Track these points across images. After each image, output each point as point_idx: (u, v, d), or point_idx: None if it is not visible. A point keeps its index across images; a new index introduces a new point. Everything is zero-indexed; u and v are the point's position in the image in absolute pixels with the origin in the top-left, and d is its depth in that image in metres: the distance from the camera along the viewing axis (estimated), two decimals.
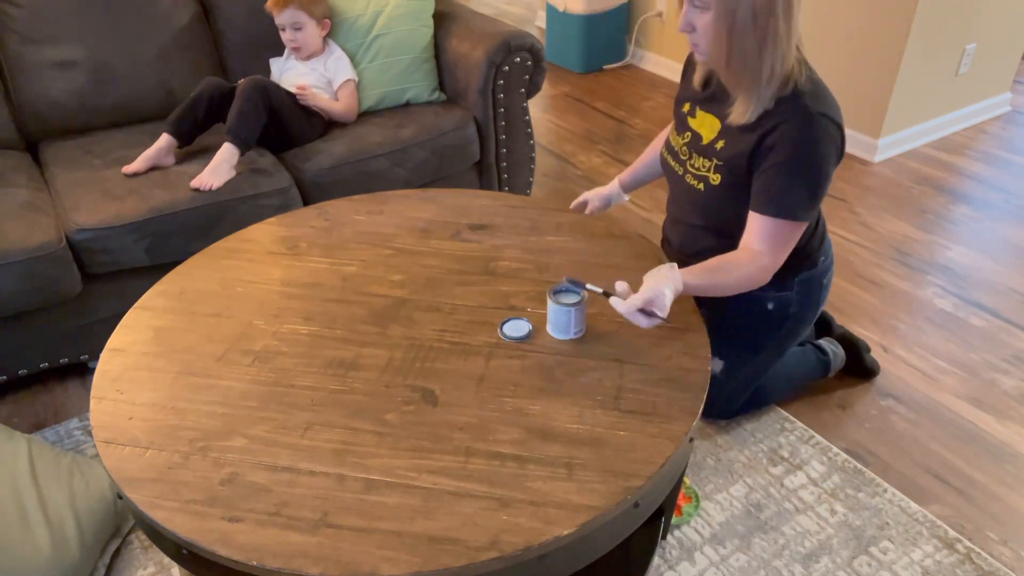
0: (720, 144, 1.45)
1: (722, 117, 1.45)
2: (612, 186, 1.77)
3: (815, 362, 1.87)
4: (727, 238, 1.49)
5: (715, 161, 1.46)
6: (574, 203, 1.75)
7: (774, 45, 1.29)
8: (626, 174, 1.79)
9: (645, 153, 1.78)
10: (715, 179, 1.47)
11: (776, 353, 1.69)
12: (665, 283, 1.23)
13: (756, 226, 1.38)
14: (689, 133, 1.52)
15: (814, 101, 1.34)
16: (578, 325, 1.29)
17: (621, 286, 1.25)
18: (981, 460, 1.73)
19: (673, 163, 1.58)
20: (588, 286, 1.29)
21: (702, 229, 1.57)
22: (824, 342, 1.91)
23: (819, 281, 1.61)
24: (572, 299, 1.29)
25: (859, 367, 1.93)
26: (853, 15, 2.85)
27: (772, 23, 1.26)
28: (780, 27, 1.27)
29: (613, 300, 1.23)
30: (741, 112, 1.38)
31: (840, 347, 1.92)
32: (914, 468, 1.72)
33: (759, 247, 1.38)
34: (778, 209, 1.35)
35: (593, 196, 1.75)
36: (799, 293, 1.59)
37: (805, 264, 1.57)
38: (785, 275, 1.52)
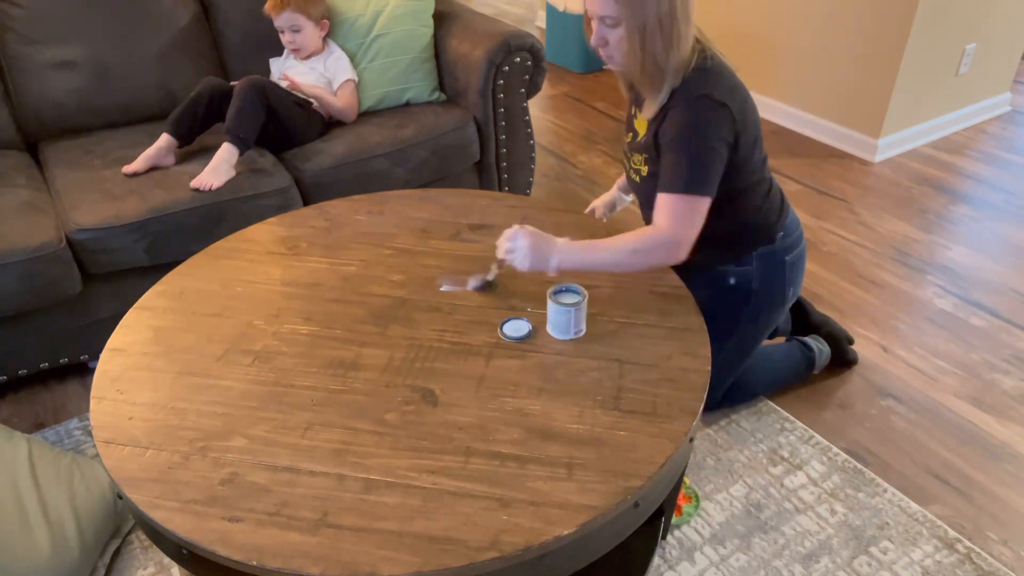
0: (646, 136, 1.54)
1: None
2: (612, 192, 1.83)
3: (800, 358, 1.90)
4: None
5: (645, 155, 1.54)
6: (586, 211, 1.80)
7: (678, 46, 1.38)
8: (622, 178, 1.85)
9: None
10: (644, 170, 1.56)
11: (751, 335, 1.71)
12: (524, 234, 1.34)
13: (658, 204, 1.44)
14: (631, 133, 1.61)
15: (697, 86, 1.41)
16: (578, 325, 1.29)
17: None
18: (981, 460, 1.73)
19: (626, 163, 1.67)
20: (471, 281, 1.43)
21: (649, 215, 1.64)
22: (810, 339, 1.94)
23: (780, 258, 1.64)
24: (572, 299, 1.29)
25: (841, 359, 1.99)
26: (853, 15, 2.86)
27: (676, 27, 1.35)
28: (682, 29, 1.36)
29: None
30: (651, 108, 1.47)
31: (826, 344, 1.96)
32: (914, 468, 1.72)
33: (660, 222, 1.42)
34: (671, 185, 1.41)
35: (599, 204, 1.82)
36: (759, 268, 1.63)
37: (761, 239, 1.62)
38: (740, 250, 1.62)
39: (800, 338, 1.95)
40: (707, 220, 1.46)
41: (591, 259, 1.38)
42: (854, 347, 2.03)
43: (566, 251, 1.35)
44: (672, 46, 1.37)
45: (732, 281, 1.64)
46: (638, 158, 1.56)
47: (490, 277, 1.43)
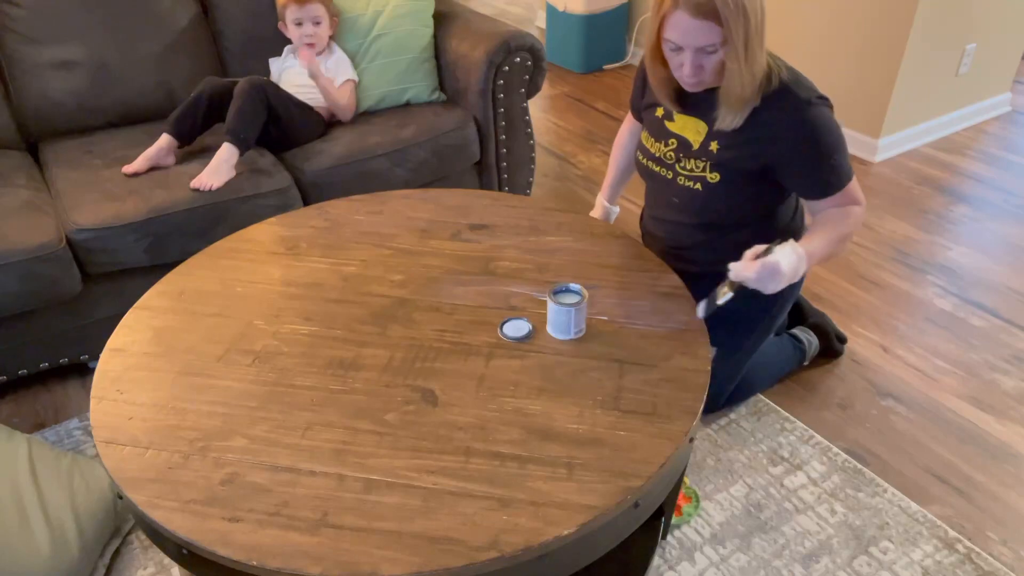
0: (714, 146, 1.49)
1: (709, 121, 1.49)
2: (601, 207, 1.84)
3: (792, 351, 1.92)
4: (716, 231, 1.58)
5: (710, 162, 1.50)
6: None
7: (764, 55, 1.37)
8: (606, 190, 1.86)
9: (613, 160, 1.86)
10: (713, 177, 1.51)
11: (764, 334, 1.72)
12: (783, 256, 1.29)
13: (825, 204, 1.46)
14: (674, 140, 1.56)
15: (800, 89, 1.41)
16: (578, 325, 1.29)
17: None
18: (981, 460, 1.73)
19: (658, 168, 1.60)
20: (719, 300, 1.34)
21: (694, 226, 1.61)
22: (799, 331, 1.97)
23: None
24: (572, 299, 1.29)
25: (828, 349, 2.01)
26: (854, 15, 2.85)
27: (764, 26, 1.34)
28: (764, 38, 1.35)
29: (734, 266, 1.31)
30: (731, 119, 1.43)
31: (814, 335, 1.98)
32: (914, 468, 1.72)
33: (846, 208, 1.45)
34: (835, 189, 1.44)
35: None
36: None
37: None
38: None
39: (789, 331, 1.97)
40: (743, 231, 1.49)
41: (825, 257, 1.41)
42: (845, 344, 2.05)
43: (810, 258, 1.35)
44: (763, 47, 1.36)
45: None
46: (696, 164, 1.52)
47: (720, 301, 1.33)
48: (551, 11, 3.91)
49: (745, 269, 1.28)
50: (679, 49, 1.35)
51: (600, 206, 1.84)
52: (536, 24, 4.59)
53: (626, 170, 1.85)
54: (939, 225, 2.60)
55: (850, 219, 1.44)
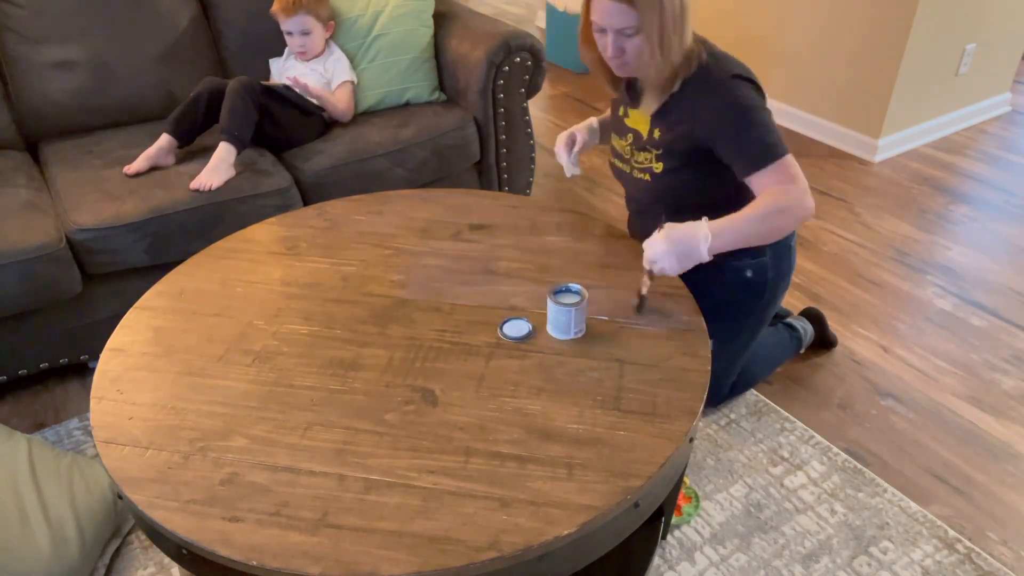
0: (656, 132, 1.54)
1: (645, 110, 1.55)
2: (590, 123, 1.74)
3: (788, 340, 1.94)
4: (687, 211, 1.55)
5: (655, 151, 1.55)
6: (563, 137, 1.68)
7: (685, 42, 1.42)
8: (591, 120, 1.76)
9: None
10: (658, 167, 1.56)
11: (758, 325, 1.72)
12: (659, 240, 1.33)
13: (761, 182, 1.44)
14: (630, 134, 1.62)
15: (717, 68, 1.45)
16: (578, 325, 1.29)
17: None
18: (981, 460, 1.73)
19: (621, 164, 1.67)
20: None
21: (655, 215, 1.61)
22: (794, 320, 1.99)
23: (787, 244, 1.66)
24: (572, 299, 1.29)
25: (822, 338, 2.03)
26: (853, 15, 2.85)
27: (685, 18, 1.39)
28: (687, 24, 1.40)
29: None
30: (652, 102, 1.49)
31: (808, 323, 2.00)
32: (914, 468, 1.72)
33: (779, 188, 1.43)
34: (761, 160, 1.42)
35: (569, 142, 1.70)
36: (773, 257, 1.64)
37: None
38: None
39: (784, 320, 1.98)
40: (722, 204, 1.48)
41: (742, 234, 1.38)
42: (848, 346, 2.05)
43: (716, 234, 1.35)
44: (684, 40, 1.40)
45: (749, 274, 1.64)
46: (645, 156, 1.57)
47: (644, 291, 1.35)
48: (551, 11, 3.91)
49: (645, 253, 1.35)
50: (603, 31, 1.41)
51: (589, 123, 1.73)
52: (536, 24, 4.59)
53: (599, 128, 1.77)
54: (939, 225, 2.60)
55: (782, 196, 1.40)
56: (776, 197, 1.39)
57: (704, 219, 1.36)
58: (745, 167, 1.44)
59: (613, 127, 1.70)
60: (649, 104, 1.50)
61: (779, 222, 1.39)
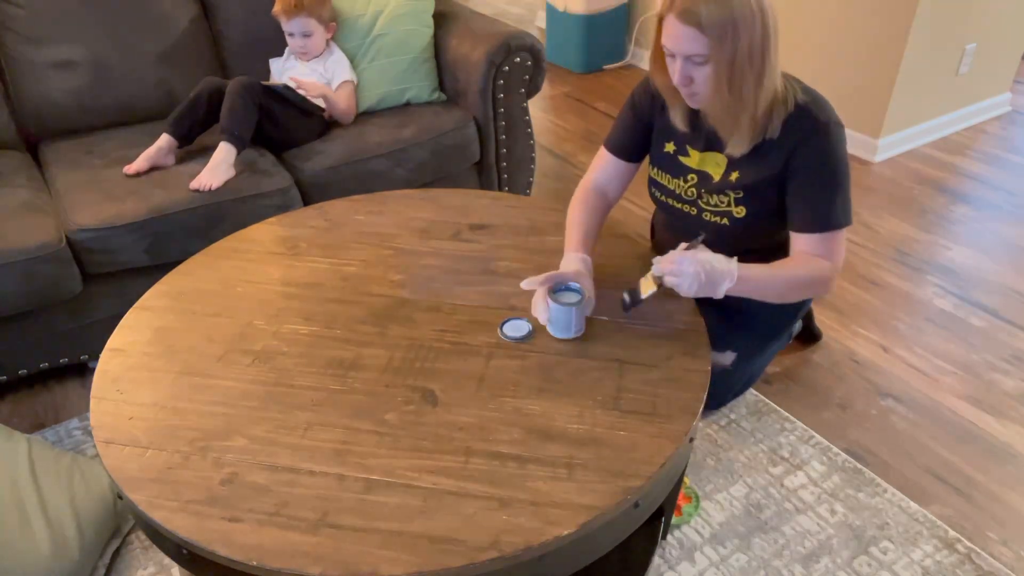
0: (735, 175, 1.47)
1: (724, 151, 1.47)
2: (579, 261, 1.40)
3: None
4: (752, 254, 1.47)
5: (733, 195, 1.48)
6: (542, 278, 1.33)
7: (769, 78, 1.33)
8: (580, 246, 1.44)
9: (577, 219, 1.50)
10: (739, 212, 1.50)
11: (785, 339, 1.72)
12: (692, 262, 1.23)
13: (807, 243, 1.40)
14: (693, 175, 1.53)
15: (820, 111, 1.38)
16: (578, 325, 1.29)
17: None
18: (981, 460, 1.73)
19: (679, 205, 1.58)
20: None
21: (727, 252, 1.54)
22: None
23: None
24: (572, 299, 1.29)
25: (808, 333, 2.04)
26: (854, 15, 2.85)
27: (766, 59, 1.30)
28: (771, 60, 1.31)
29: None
30: (740, 144, 1.41)
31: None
32: (914, 468, 1.72)
33: (825, 258, 1.40)
34: (827, 221, 1.39)
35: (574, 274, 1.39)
36: None
37: None
38: None
39: None
40: (774, 257, 1.44)
41: (762, 290, 1.33)
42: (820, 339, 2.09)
43: (740, 280, 1.27)
44: (762, 79, 1.31)
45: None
46: (721, 199, 1.49)
47: (644, 295, 1.29)
48: (551, 11, 3.91)
49: (665, 262, 1.25)
50: (672, 56, 1.33)
51: (576, 260, 1.40)
52: (536, 24, 4.59)
53: (594, 227, 1.51)
54: (939, 225, 2.60)
55: (816, 271, 1.37)
56: (810, 270, 1.37)
57: (735, 260, 1.28)
58: (804, 223, 1.40)
59: (659, 162, 1.58)
60: (737, 147, 1.41)
61: (801, 293, 1.38)
